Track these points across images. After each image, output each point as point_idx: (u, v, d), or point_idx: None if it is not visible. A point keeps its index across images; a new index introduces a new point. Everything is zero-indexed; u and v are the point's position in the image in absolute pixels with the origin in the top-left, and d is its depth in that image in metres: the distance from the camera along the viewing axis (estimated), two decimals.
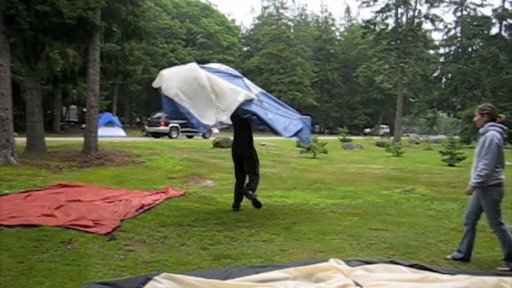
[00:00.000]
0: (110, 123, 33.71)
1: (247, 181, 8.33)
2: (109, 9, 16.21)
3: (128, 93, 53.47)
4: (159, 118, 31.91)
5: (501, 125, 5.31)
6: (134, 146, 17.78)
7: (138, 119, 66.70)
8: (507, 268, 5.14)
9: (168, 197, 9.08)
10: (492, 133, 5.20)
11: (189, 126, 31.34)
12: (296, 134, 7.90)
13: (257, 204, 7.95)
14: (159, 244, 5.83)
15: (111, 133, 30.55)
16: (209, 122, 7.18)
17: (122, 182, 11.14)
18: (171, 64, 53.39)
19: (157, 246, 5.72)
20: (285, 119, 8.00)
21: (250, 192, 7.97)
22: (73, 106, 50.36)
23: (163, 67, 41.98)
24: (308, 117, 8.42)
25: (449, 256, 5.50)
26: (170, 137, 31.05)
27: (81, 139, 16.04)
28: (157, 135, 31.81)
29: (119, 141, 21.30)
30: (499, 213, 5.34)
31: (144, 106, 65.53)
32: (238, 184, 8.46)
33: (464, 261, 5.41)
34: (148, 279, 4.02)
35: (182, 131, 32.33)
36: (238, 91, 7.57)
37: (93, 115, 15.39)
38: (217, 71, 8.10)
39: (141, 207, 7.77)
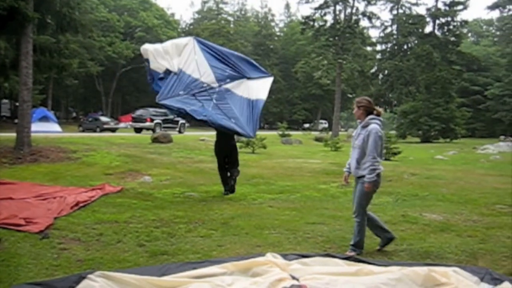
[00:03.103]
0: (45, 118, 32.91)
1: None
2: (42, 0, 15.68)
3: (64, 87, 51.86)
4: (142, 115, 34.75)
5: (379, 118, 5.56)
6: (70, 142, 17.32)
7: (74, 114, 65.13)
8: (353, 253, 5.31)
9: (105, 194, 8.87)
10: (375, 126, 5.43)
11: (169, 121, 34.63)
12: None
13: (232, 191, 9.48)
14: (94, 241, 5.70)
15: (46, 129, 29.65)
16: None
17: (57, 178, 10.81)
18: (109, 58, 52.66)
19: (92, 244, 5.59)
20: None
21: (233, 182, 9.48)
22: (5, 101, 48.53)
23: (100, 61, 41.31)
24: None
25: (378, 247, 5.65)
26: (154, 132, 32.38)
27: (14, 134, 15.48)
28: (139, 130, 34.01)
29: (54, 137, 20.70)
30: (369, 202, 5.59)
31: (81, 101, 64.05)
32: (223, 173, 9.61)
33: (389, 240, 5.60)
34: (81, 278, 3.91)
35: (164, 127, 33.92)
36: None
37: (26, 109, 14.84)
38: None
39: (76, 204, 7.56)
